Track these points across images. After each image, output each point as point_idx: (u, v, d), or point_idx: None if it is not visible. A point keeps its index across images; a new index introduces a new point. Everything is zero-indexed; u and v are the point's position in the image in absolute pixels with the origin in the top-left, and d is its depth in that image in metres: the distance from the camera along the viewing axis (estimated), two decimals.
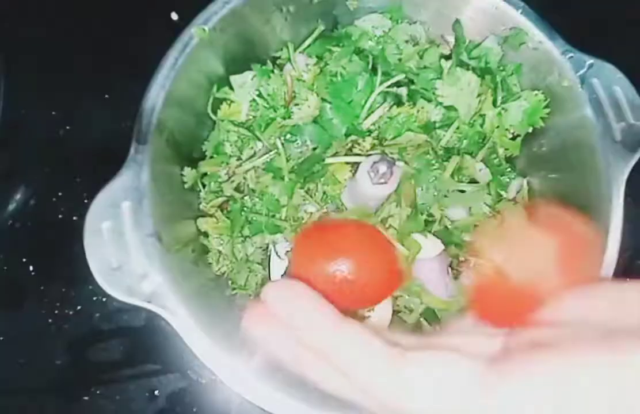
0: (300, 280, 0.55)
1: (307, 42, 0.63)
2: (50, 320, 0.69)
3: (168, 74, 0.51)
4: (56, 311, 0.69)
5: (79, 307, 0.69)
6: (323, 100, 0.58)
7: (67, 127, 0.73)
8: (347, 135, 0.56)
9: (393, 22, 0.62)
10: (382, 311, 0.56)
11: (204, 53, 0.55)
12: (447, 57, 0.61)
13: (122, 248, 0.48)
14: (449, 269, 0.60)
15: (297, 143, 0.57)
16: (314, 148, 0.57)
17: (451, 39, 0.62)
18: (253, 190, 0.58)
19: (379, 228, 0.52)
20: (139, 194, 0.49)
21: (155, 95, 0.51)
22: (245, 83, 0.60)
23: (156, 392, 0.68)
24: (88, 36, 0.76)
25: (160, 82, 0.51)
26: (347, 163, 0.56)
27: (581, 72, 0.54)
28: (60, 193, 0.72)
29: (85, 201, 0.72)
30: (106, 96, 0.75)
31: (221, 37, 0.55)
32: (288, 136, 0.57)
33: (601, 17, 0.75)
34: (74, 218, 0.71)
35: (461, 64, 0.59)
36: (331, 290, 0.52)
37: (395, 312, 0.59)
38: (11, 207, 0.72)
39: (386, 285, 0.55)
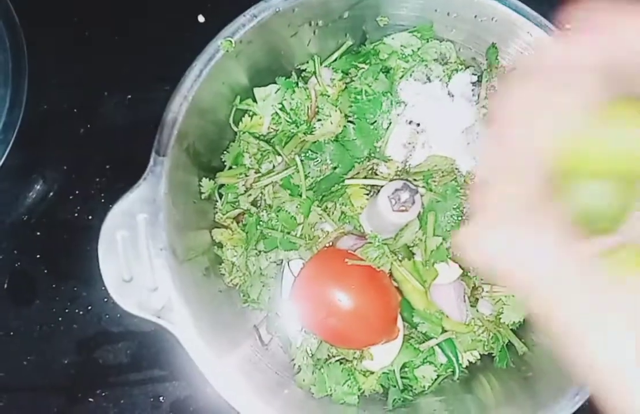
0: (300, 298, 0.55)
1: (334, 56, 0.61)
2: (60, 318, 0.68)
3: (192, 86, 0.50)
4: (66, 310, 0.69)
5: (89, 307, 0.69)
6: (347, 118, 0.57)
7: (88, 126, 0.73)
8: (368, 157, 0.55)
9: (423, 40, 0.60)
10: (384, 357, 0.55)
11: (229, 64, 0.53)
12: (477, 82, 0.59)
13: (135, 260, 0.47)
14: (465, 296, 0.58)
15: (317, 161, 0.55)
16: (334, 167, 0.55)
17: (483, 61, 0.60)
18: (270, 206, 0.57)
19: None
20: (156, 207, 0.48)
21: (178, 107, 0.50)
22: (268, 96, 0.59)
23: (161, 398, 0.67)
24: (112, 36, 0.75)
25: (183, 93, 0.50)
26: (366, 186, 0.55)
27: None
28: (77, 192, 0.72)
29: (102, 201, 0.72)
30: (129, 96, 0.74)
31: (247, 49, 0.54)
32: (308, 153, 0.55)
33: None
34: (89, 218, 0.71)
35: (492, 89, 0.57)
36: (327, 312, 0.52)
37: (406, 337, 0.58)
38: (27, 202, 0.72)
39: (379, 329, 0.54)
